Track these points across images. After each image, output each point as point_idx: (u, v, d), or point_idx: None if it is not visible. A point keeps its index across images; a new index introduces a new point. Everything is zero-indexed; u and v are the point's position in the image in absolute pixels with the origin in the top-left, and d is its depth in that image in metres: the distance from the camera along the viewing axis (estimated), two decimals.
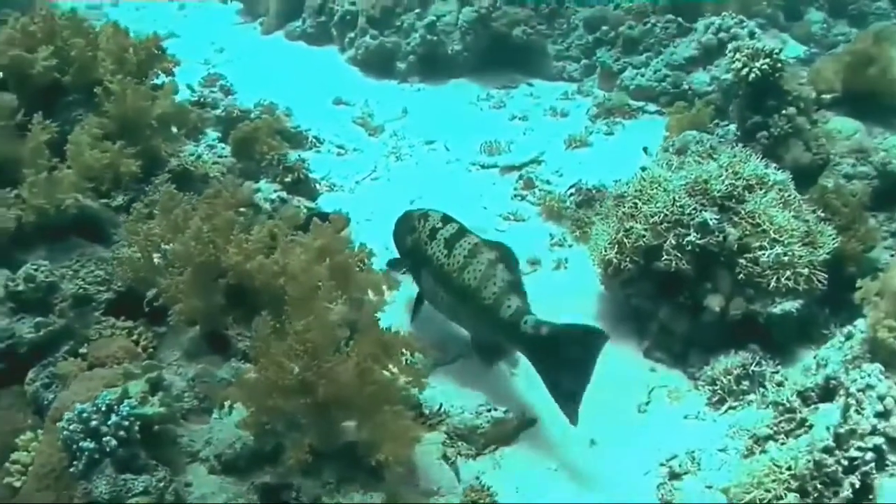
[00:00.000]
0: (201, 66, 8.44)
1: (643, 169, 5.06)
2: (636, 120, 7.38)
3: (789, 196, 4.82)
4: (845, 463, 3.47)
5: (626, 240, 4.76)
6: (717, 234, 4.63)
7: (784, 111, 5.37)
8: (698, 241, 4.62)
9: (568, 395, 4.18)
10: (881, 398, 3.56)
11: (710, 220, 4.61)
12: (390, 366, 3.36)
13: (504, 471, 4.35)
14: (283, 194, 5.60)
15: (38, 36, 4.78)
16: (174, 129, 5.15)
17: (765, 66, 5.32)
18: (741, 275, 4.63)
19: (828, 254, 4.73)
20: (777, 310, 4.62)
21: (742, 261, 4.63)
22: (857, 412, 3.57)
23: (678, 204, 4.66)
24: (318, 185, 5.70)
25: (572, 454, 4.41)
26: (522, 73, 8.24)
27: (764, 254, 4.60)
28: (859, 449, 3.48)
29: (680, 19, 7.94)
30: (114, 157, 4.56)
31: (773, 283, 4.59)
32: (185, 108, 5.13)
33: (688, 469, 4.20)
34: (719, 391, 4.57)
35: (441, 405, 4.60)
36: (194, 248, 3.76)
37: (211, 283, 3.91)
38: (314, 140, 7.36)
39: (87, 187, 4.39)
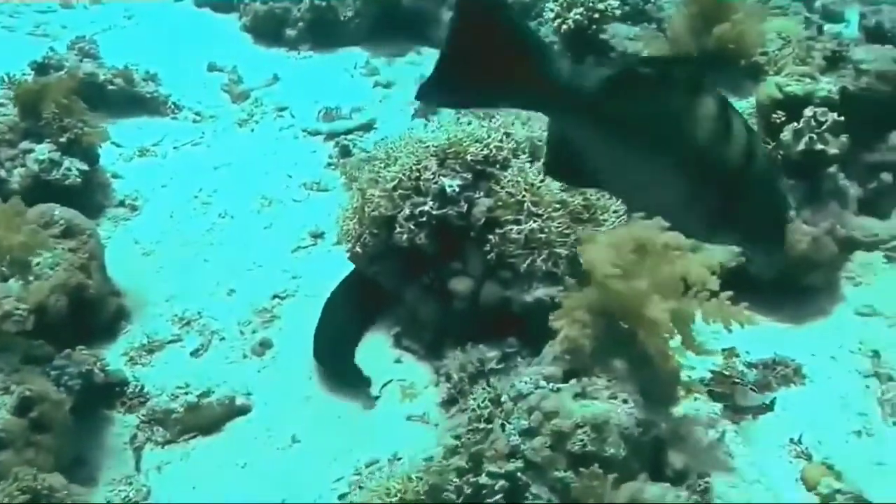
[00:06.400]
0: (103, 34, 7.97)
1: (410, 129, 4.37)
2: None
3: None
4: (469, 491, 2.79)
5: (366, 208, 4.10)
6: (460, 203, 3.93)
7: None
8: (435, 212, 3.92)
9: None
10: (530, 412, 2.86)
11: (449, 186, 3.91)
12: None
13: (190, 463, 3.78)
14: (56, 156, 5.19)
15: None
16: None
17: (578, 17, 4.57)
18: (492, 254, 3.92)
19: None
20: (529, 297, 3.90)
21: (492, 237, 3.92)
22: (502, 428, 2.89)
23: (416, 167, 3.97)
24: (101, 147, 5.27)
25: (269, 452, 3.80)
26: (415, 41, 7.54)
27: (513, 229, 3.88)
28: (490, 475, 2.79)
29: None
30: None
31: (524, 266, 3.87)
32: None
33: None
34: (452, 390, 3.88)
35: (142, 385, 4.06)
36: None
37: None
38: (173, 106, 6.89)
39: None
